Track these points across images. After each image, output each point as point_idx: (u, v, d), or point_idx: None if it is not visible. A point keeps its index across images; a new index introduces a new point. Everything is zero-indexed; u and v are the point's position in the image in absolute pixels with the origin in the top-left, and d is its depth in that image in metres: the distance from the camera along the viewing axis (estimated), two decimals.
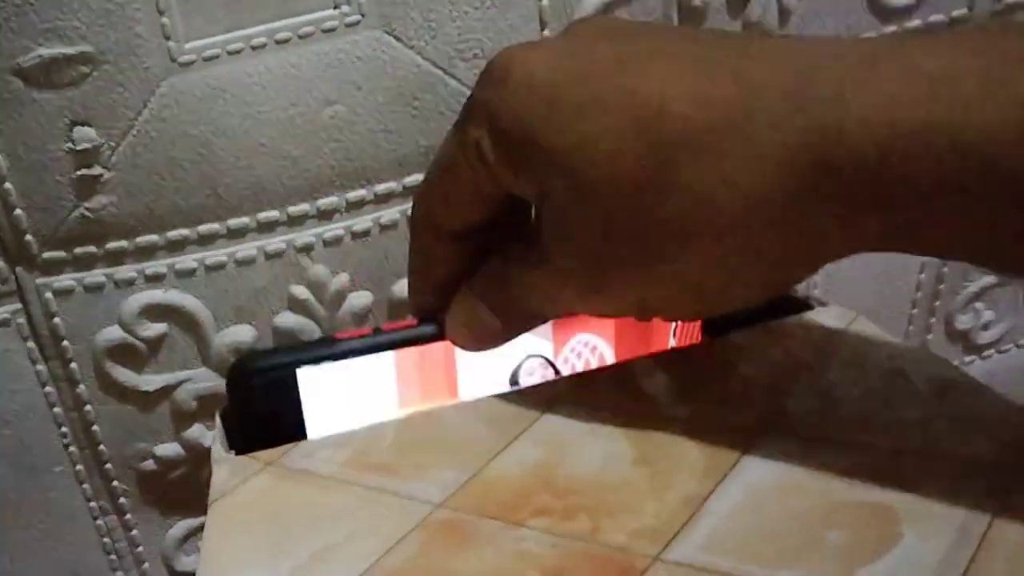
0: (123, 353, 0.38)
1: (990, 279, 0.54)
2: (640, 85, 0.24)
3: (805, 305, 0.32)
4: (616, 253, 0.26)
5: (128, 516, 0.42)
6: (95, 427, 0.39)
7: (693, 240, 0.24)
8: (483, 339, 0.30)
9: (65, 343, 0.37)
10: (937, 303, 0.54)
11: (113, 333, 0.37)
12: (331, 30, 0.34)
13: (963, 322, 0.55)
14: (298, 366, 0.30)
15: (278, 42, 0.34)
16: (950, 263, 0.52)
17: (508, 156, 0.26)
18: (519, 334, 0.30)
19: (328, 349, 0.30)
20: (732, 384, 0.29)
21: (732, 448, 0.26)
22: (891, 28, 0.42)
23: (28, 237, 0.35)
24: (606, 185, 0.25)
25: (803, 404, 0.27)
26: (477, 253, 0.30)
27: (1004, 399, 0.27)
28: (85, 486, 0.41)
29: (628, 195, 0.24)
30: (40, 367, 0.38)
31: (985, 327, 0.55)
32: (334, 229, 0.37)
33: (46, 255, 0.36)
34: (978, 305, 0.54)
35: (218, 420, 0.32)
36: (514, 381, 0.32)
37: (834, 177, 0.22)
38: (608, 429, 0.28)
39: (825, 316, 0.31)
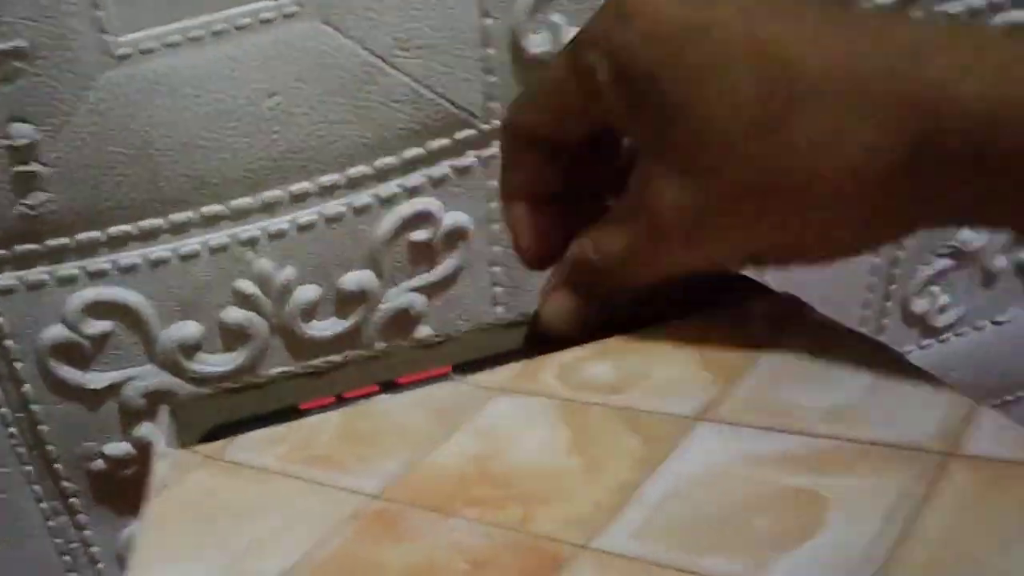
0: (68, 351, 0.37)
1: (946, 262, 0.54)
2: (768, 41, 0.26)
3: (755, 290, 0.32)
4: (725, 202, 0.27)
5: (80, 516, 0.42)
6: (42, 427, 0.39)
7: (806, 188, 0.25)
8: (575, 326, 0.31)
9: (9, 342, 0.37)
10: (893, 287, 0.54)
11: (57, 331, 0.37)
12: (268, 21, 0.33)
13: (919, 306, 0.55)
14: None
15: (215, 34, 0.33)
16: (905, 246, 0.52)
17: (626, 93, 0.27)
18: (606, 314, 0.30)
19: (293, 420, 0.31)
20: (673, 372, 0.29)
21: (668, 436, 0.26)
22: None
23: None
24: (727, 135, 0.26)
25: (741, 392, 0.27)
26: (561, 174, 0.31)
27: (943, 384, 0.27)
28: (36, 487, 0.41)
29: (747, 145, 0.26)
30: None
31: (942, 310, 0.56)
32: (278, 223, 0.37)
33: None
34: (934, 288, 0.55)
35: (165, 415, 0.32)
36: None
37: (945, 139, 0.23)
38: (548, 419, 0.28)
39: (772, 304, 0.31)
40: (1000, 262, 0.55)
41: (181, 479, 0.28)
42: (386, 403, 0.30)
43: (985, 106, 0.23)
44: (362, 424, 0.29)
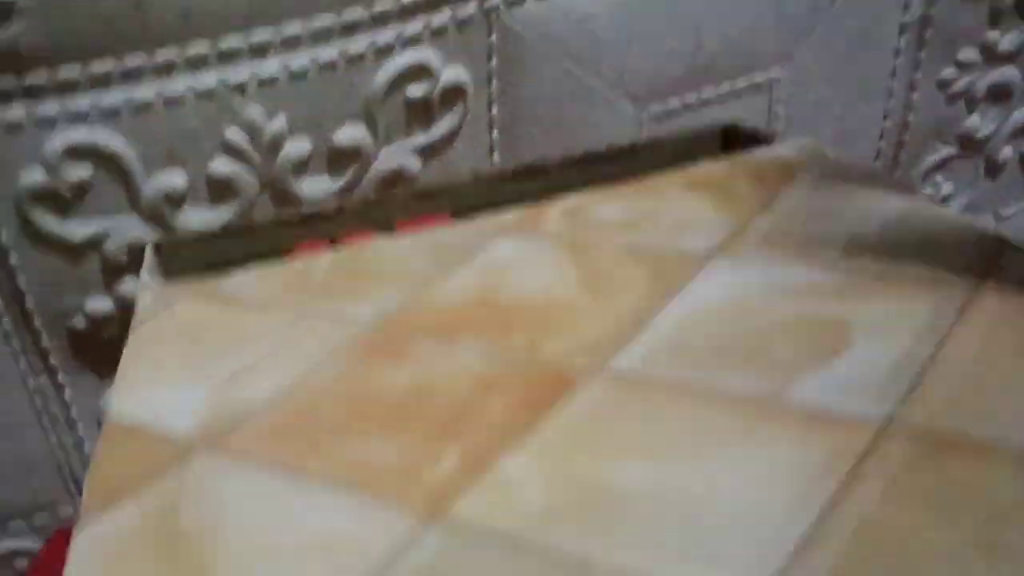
0: (47, 198, 0.36)
1: (950, 150, 0.53)
2: None
3: (766, 138, 0.30)
4: None
5: (60, 377, 0.41)
6: (19, 278, 0.37)
7: None
8: None
9: None
10: (896, 175, 0.53)
11: (35, 175, 0.35)
12: None
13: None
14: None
15: None
16: (911, 131, 0.51)
17: None
18: None
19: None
20: (686, 212, 0.27)
21: (682, 270, 0.25)
22: None
23: None
24: None
25: (758, 229, 0.26)
26: None
27: (964, 220, 0.25)
28: (13, 342, 0.39)
29: None
30: None
31: (945, 200, 0.55)
32: (268, 67, 0.35)
33: None
34: (938, 177, 0.54)
35: (149, 251, 0.30)
36: None
37: None
38: (555, 256, 0.27)
39: (787, 148, 0.30)
40: (1006, 153, 0.54)
41: (165, 311, 0.26)
42: (383, 244, 0.29)
43: None
44: (359, 263, 0.28)
